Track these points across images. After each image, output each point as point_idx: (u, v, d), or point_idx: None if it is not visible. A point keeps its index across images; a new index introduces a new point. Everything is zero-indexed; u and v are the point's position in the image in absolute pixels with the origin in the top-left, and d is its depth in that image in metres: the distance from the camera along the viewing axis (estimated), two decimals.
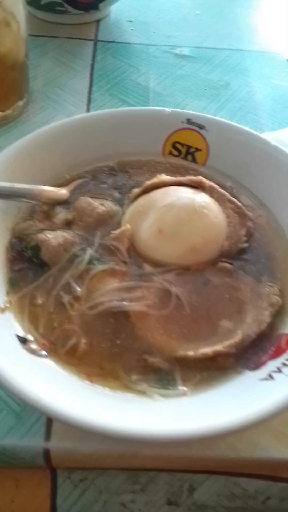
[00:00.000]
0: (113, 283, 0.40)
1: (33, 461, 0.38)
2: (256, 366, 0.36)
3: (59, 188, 0.45)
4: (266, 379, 0.33)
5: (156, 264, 0.41)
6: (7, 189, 0.41)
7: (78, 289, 0.40)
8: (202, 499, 0.39)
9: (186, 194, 0.43)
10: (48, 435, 0.38)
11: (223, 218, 0.43)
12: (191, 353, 0.37)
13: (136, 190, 0.45)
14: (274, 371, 0.34)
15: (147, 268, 0.41)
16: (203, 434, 0.29)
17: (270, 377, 0.33)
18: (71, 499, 0.38)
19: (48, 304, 0.39)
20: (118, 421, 0.31)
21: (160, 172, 0.47)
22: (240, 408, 0.30)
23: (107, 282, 0.40)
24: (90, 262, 0.41)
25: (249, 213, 0.44)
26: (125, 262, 0.41)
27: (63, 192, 0.45)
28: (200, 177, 0.45)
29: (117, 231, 0.42)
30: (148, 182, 0.45)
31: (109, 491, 0.39)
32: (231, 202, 0.44)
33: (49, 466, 0.38)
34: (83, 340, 0.37)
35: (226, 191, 0.45)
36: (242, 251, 0.43)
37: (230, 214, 0.43)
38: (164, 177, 0.45)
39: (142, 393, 0.35)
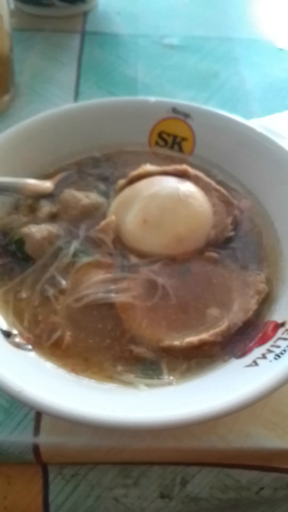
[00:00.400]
0: (99, 275, 0.39)
1: (22, 457, 0.37)
2: (243, 353, 0.35)
3: (43, 181, 0.45)
4: (250, 365, 0.33)
5: (142, 255, 0.41)
6: None
7: (63, 282, 0.39)
8: (195, 491, 0.39)
9: (171, 184, 0.43)
10: (37, 430, 0.38)
11: (209, 207, 0.42)
12: (176, 342, 0.36)
13: (122, 181, 0.45)
14: (259, 358, 0.33)
15: (133, 259, 0.41)
16: (185, 421, 0.29)
17: (255, 363, 0.33)
18: (63, 495, 0.39)
19: (33, 298, 0.39)
20: (102, 411, 0.30)
21: (146, 162, 0.47)
22: (222, 395, 0.30)
23: (93, 274, 0.39)
24: (75, 254, 0.41)
25: (235, 202, 0.44)
26: (110, 254, 0.41)
27: (47, 185, 0.45)
28: (185, 166, 0.44)
29: (102, 223, 0.42)
30: (133, 173, 0.45)
31: (101, 486, 0.39)
32: (216, 190, 0.44)
33: (39, 461, 0.38)
34: (68, 333, 0.37)
35: (212, 180, 0.45)
36: (228, 240, 0.43)
37: (216, 202, 0.43)
38: (149, 167, 0.45)
39: (129, 383, 0.35)
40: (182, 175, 0.44)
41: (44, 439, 0.37)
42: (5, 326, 0.37)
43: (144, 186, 0.43)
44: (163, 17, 0.78)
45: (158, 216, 0.41)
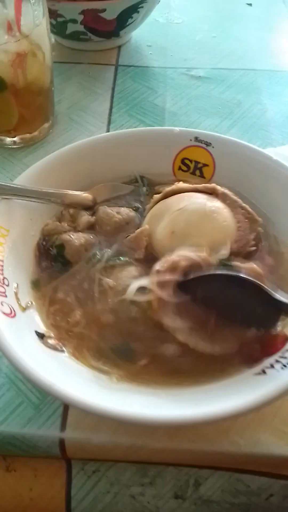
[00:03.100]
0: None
1: (49, 450, 0.41)
2: (253, 363, 0.38)
3: (82, 192, 0.50)
4: (259, 373, 0.36)
5: None
6: (36, 192, 0.47)
7: (96, 290, 0.43)
8: (207, 493, 0.41)
9: (198, 200, 0.46)
10: (63, 426, 0.41)
11: (232, 223, 0.45)
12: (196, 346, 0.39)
13: (157, 196, 0.49)
14: (267, 367, 0.36)
15: None
16: (195, 420, 0.33)
17: (263, 372, 0.36)
18: (84, 490, 0.41)
19: (67, 300, 0.43)
20: (125, 408, 0.34)
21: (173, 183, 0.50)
22: (232, 399, 0.33)
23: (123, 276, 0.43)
24: (107, 261, 0.45)
25: (259, 219, 0.46)
26: (141, 260, 0.45)
27: (85, 195, 0.49)
28: (213, 184, 0.47)
29: (137, 231, 0.46)
30: (168, 189, 0.48)
31: (120, 483, 0.41)
32: (242, 208, 0.46)
33: (64, 456, 0.41)
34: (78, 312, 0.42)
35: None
36: (250, 254, 0.45)
37: (241, 219, 0.45)
38: (181, 184, 0.48)
39: (147, 385, 0.38)
40: (211, 193, 0.47)
41: (70, 435, 0.40)
42: (40, 329, 0.41)
43: (175, 201, 0.46)
44: (191, 50, 0.83)
45: (184, 229, 0.44)
